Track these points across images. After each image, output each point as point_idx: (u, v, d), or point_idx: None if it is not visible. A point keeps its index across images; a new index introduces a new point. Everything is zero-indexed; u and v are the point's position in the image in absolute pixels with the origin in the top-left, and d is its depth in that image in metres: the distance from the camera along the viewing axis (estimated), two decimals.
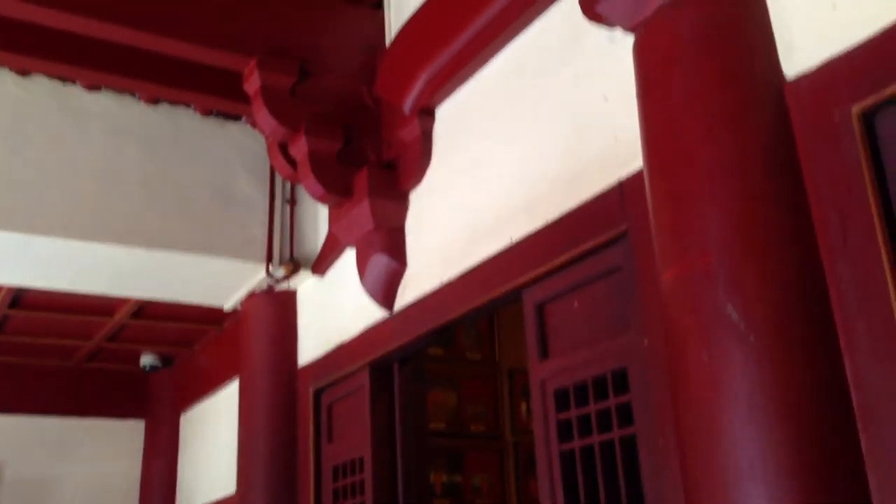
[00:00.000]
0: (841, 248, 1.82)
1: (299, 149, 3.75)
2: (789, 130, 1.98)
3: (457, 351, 5.54)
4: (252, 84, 3.67)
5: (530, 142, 2.93)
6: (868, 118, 1.84)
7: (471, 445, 5.39)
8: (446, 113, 3.52)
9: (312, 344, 4.47)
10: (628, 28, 2.33)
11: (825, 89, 1.91)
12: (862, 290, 1.77)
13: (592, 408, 2.51)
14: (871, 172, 1.80)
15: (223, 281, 4.75)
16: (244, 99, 3.81)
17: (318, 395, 4.32)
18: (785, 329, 1.82)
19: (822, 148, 1.90)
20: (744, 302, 1.84)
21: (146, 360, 6.64)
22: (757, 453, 1.74)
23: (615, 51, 2.54)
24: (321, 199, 3.87)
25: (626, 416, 2.39)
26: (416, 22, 3.55)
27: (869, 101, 1.82)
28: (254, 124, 3.89)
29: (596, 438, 2.49)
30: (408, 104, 3.60)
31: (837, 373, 1.78)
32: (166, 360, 6.75)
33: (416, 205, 3.65)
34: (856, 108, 1.83)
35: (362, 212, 3.67)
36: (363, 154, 3.82)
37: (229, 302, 5.00)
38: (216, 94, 4.07)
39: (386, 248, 3.66)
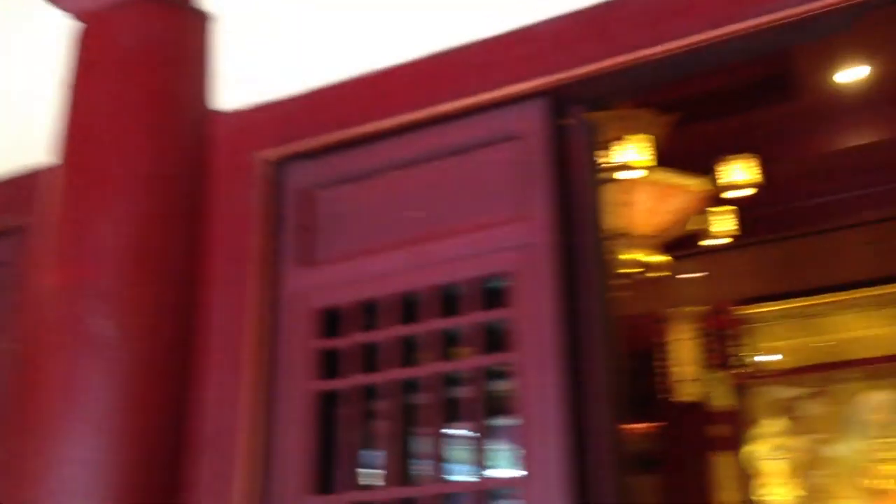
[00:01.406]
0: (220, 285, 1.90)
1: None
2: (208, 163, 2.03)
3: None
4: None
5: None
6: (278, 168, 1.96)
7: None
8: None
9: None
10: (76, 16, 2.20)
11: (243, 132, 2.00)
12: (224, 328, 1.85)
13: None
14: (265, 218, 1.91)
15: None
16: None
17: None
18: (153, 353, 1.82)
19: (229, 186, 1.98)
20: (117, 320, 1.80)
21: None
22: (95, 476, 1.70)
23: (60, 36, 2.37)
24: None
25: None
26: None
27: (278, 151, 1.95)
28: None
29: None
30: None
31: (188, 403, 1.83)
32: None
33: None
34: (264, 155, 1.94)
35: None
36: None
37: None
38: None
39: None
